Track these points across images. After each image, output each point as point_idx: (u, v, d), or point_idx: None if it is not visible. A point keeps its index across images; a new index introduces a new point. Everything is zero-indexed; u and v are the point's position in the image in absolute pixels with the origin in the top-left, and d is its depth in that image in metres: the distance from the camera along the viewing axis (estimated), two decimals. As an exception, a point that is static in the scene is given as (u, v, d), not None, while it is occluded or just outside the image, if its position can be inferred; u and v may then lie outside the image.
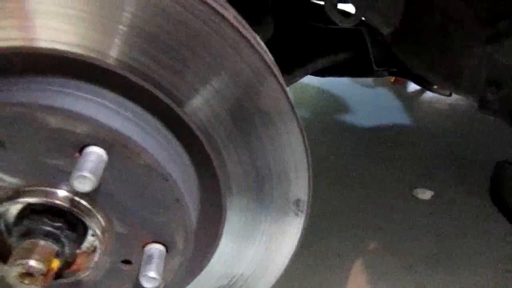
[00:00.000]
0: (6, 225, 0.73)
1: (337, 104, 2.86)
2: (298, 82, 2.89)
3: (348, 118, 2.73)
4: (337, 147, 2.42)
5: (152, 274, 0.71)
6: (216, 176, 0.78)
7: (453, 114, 2.74)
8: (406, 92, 2.92)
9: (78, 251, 0.77)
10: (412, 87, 2.89)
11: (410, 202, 2.07)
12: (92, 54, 0.66)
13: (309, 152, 0.80)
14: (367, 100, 2.88)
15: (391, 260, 1.79)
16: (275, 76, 0.74)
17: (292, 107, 0.76)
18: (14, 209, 0.72)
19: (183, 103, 0.72)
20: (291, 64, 1.64)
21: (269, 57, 0.76)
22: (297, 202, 0.84)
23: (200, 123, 0.73)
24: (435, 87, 1.78)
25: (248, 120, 0.75)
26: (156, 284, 0.71)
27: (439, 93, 1.87)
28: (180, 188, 0.72)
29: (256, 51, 0.71)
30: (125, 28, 0.68)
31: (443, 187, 2.15)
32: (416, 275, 1.74)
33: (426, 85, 1.80)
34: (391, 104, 2.83)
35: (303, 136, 0.79)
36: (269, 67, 0.73)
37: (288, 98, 0.76)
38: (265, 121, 0.76)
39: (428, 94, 2.84)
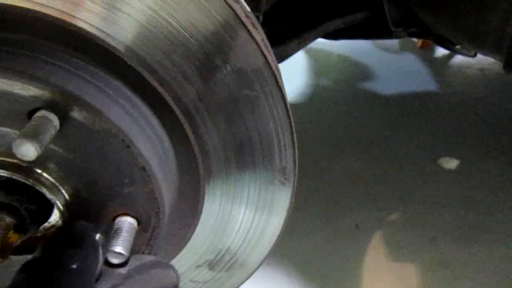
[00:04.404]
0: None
1: (361, 72, 2.73)
2: (321, 50, 2.77)
3: (372, 85, 2.61)
4: (361, 116, 2.32)
5: (117, 249, 0.66)
6: (190, 144, 0.72)
7: (482, 80, 2.57)
8: (433, 57, 2.76)
9: (47, 224, 0.73)
10: (440, 51, 2.72)
11: (435, 172, 1.96)
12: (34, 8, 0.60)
13: (291, 114, 0.72)
14: (392, 66, 2.73)
15: (412, 232, 1.69)
16: (247, 29, 0.65)
17: (269, 65, 0.68)
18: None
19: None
20: (300, 26, 1.54)
21: (243, 8, 0.68)
22: (283, 170, 0.76)
23: (165, 83, 0.66)
24: (458, 47, 1.64)
25: (219, 79, 0.68)
26: (123, 259, 0.66)
27: (463, 54, 1.73)
28: (144, 156, 0.66)
29: (225, 1, 0.63)
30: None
31: (470, 156, 2.02)
32: (439, 249, 1.63)
33: (448, 45, 1.67)
34: (417, 70, 2.68)
35: (284, 97, 0.70)
36: (239, 19, 0.64)
37: (264, 54, 0.67)
38: (239, 80, 0.68)
39: (457, 59, 2.67)
